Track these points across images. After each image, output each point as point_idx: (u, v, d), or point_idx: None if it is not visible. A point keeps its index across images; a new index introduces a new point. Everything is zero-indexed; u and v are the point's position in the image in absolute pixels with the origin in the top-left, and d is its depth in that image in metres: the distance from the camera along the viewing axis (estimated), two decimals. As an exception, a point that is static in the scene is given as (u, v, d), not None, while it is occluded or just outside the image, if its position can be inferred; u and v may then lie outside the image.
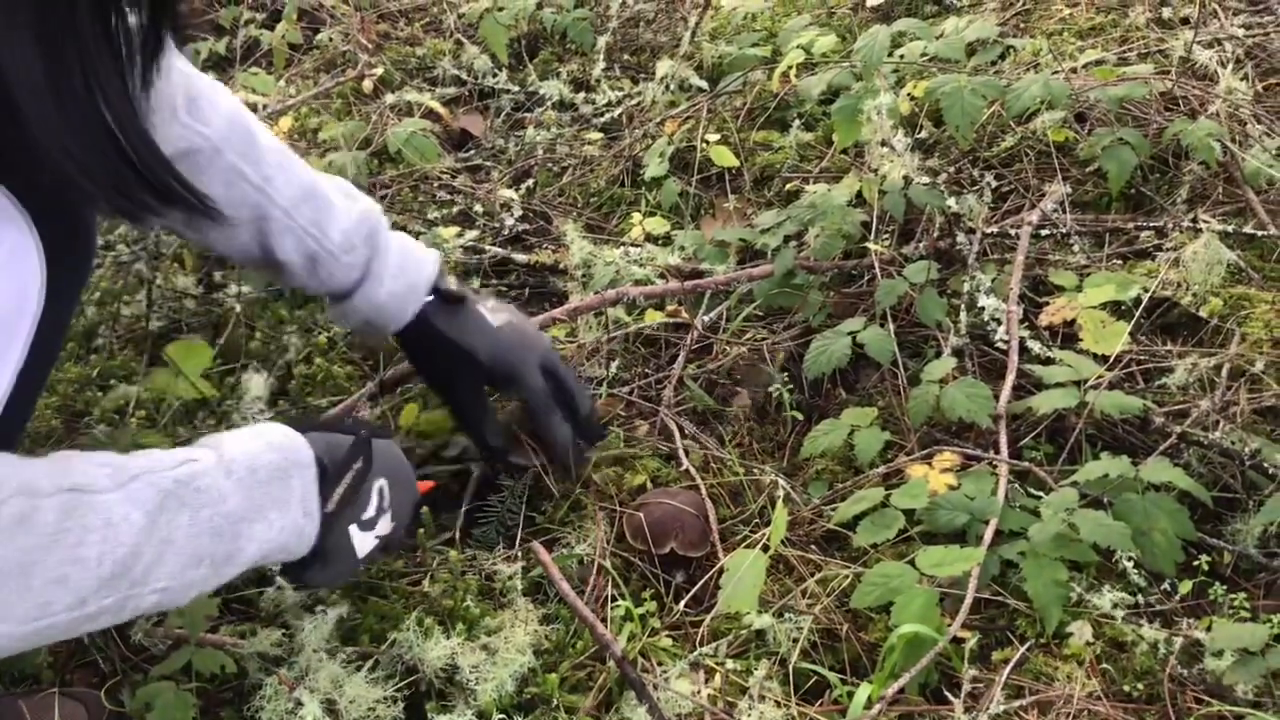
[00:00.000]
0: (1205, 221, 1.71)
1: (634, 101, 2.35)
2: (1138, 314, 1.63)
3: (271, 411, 1.60)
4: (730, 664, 1.28)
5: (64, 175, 0.84)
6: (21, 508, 0.88)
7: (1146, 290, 1.65)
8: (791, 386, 1.70)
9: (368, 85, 2.49)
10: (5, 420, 0.92)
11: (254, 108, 2.27)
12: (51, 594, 0.90)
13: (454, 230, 2.01)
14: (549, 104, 2.40)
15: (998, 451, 1.49)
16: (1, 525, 0.87)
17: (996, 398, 1.53)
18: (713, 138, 2.11)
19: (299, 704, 1.14)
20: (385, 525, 1.19)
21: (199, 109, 1.27)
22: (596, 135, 2.31)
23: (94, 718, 1.20)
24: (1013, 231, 1.79)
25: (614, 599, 1.37)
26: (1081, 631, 1.31)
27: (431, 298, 1.44)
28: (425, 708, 1.20)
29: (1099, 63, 1.99)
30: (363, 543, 1.16)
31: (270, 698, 1.18)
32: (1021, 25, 2.35)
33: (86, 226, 1.03)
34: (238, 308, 1.69)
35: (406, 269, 1.42)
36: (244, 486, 1.04)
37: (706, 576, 1.41)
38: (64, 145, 0.83)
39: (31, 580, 0.89)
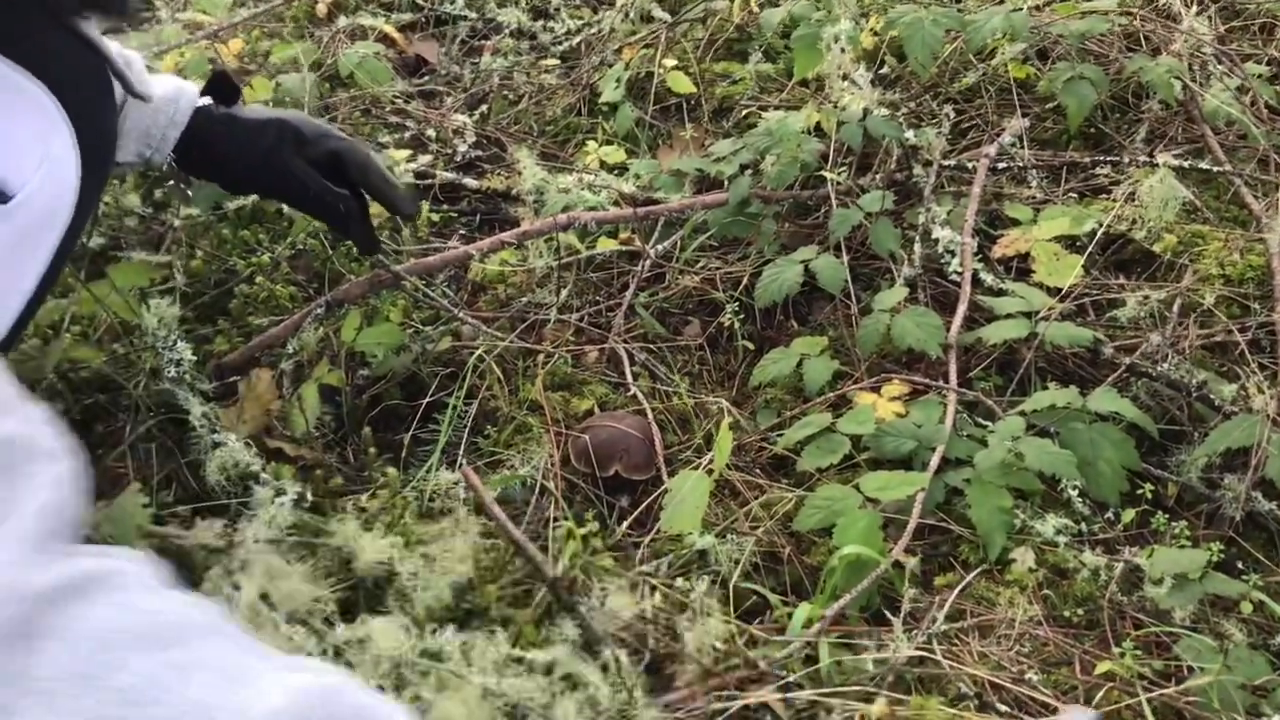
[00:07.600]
0: (1162, 158, 1.70)
1: (593, 30, 2.30)
2: (1091, 248, 1.62)
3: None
4: (670, 582, 1.27)
5: None
6: None
7: (1101, 225, 1.64)
8: (743, 317, 1.68)
9: (321, 9, 2.43)
10: (11, 333, 0.90)
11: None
12: None
13: (405, 153, 1.97)
14: (507, 31, 2.35)
15: (947, 381, 1.48)
16: None
17: (948, 329, 1.52)
18: (670, 63, 2.08)
19: (236, 588, 1.12)
20: None
21: None
22: (554, 63, 2.26)
23: None
24: (970, 165, 1.77)
25: (557, 521, 1.35)
26: (1024, 557, 1.30)
27: (208, 100, 1.36)
28: (359, 618, 1.17)
29: (1063, -1, 1.97)
30: None
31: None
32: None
33: (110, 138, 1.03)
34: (176, 223, 1.64)
35: (167, 80, 1.34)
36: None
37: (650, 499, 1.39)
38: None
39: None
